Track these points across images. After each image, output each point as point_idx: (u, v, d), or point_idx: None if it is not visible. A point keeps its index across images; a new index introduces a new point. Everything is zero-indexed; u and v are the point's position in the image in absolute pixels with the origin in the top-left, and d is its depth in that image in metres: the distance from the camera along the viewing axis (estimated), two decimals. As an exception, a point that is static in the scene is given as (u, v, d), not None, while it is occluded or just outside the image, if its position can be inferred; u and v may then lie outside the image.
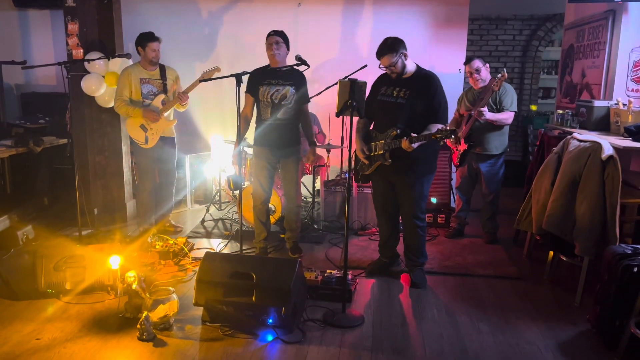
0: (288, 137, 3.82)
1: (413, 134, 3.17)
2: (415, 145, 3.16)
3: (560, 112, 4.72)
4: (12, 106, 5.62)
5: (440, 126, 3.21)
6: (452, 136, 3.01)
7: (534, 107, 7.47)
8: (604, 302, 2.77)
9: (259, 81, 3.73)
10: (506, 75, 3.94)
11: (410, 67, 3.36)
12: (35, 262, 3.24)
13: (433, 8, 5.44)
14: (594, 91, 4.79)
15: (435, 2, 5.43)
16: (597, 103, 4.28)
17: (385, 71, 3.40)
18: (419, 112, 3.29)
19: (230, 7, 5.61)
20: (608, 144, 3.19)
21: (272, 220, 4.47)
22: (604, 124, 4.20)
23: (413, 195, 3.44)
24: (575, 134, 3.54)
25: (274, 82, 3.72)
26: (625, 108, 3.98)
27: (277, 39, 3.67)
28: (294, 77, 3.77)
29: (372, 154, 3.47)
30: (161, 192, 4.54)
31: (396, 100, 3.35)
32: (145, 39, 4.17)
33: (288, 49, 3.75)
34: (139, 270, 3.09)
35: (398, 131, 3.28)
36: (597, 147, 3.16)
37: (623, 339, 2.65)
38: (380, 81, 3.53)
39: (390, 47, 3.25)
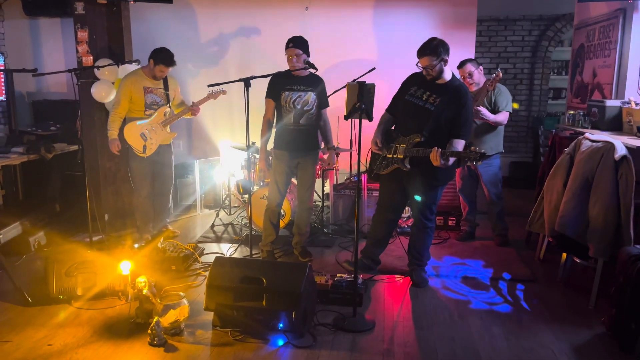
0: (309, 142, 3.84)
1: (444, 150, 3.10)
2: (442, 162, 3.06)
3: (572, 112, 4.68)
4: (23, 113, 5.69)
5: (463, 142, 3.19)
6: (480, 159, 2.97)
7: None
8: (619, 305, 2.73)
9: (281, 87, 3.71)
10: (500, 75, 3.94)
11: (447, 75, 3.30)
12: (47, 268, 3.26)
13: (441, 10, 5.42)
14: (605, 91, 4.74)
15: (443, 3, 5.42)
16: (609, 103, 4.23)
17: (420, 70, 3.32)
18: (445, 122, 3.24)
19: (238, 13, 5.64)
20: (621, 143, 3.15)
21: (282, 224, 4.47)
22: (616, 124, 4.15)
23: (426, 200, 3.43)
24: (587, 134, 3.50)
25: (296, 88, 3.71)
26: (638, 107, 3.92)
27: (297, 51, 3.62)
28: (315, 83, 3.77)
29: (391, 156, 3.41)
30: (157, 199, 4.48)
31: (424, 105, 3.28)
32: (160, 60, 4.08)
33: (308, 54, 3.70)
34: (149, 275, 3.09)
35: (422, 139, 3.24)
36: (610, 147, 3.12)
37: (639, 342, 2.60)
38: (411, 80, 3.46)
39: (434, 49, 3.17)
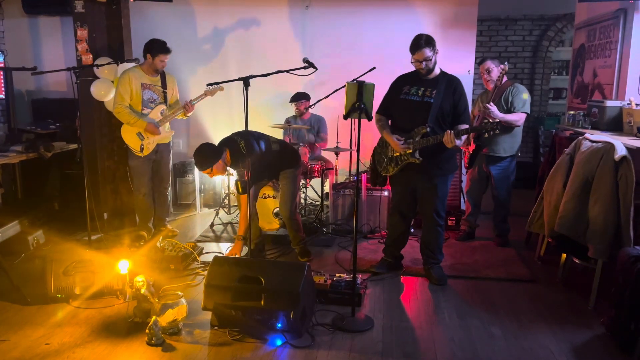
0: (280, 166, 3.93)
1: (459, 130, 3.28)
2: (458, 142, 3.24)
3: (572, 112, 4.67)
4: (23, 112, 5.67)
5: (466, 126, 3.35)
6: (497, 128, 3.18)
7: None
8: (618, 305, 2.72)
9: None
10: (506, 67, 3.92)
11: (437, 69, 3.43)
12: (45, 267, 3.26)
13: (442, 9, 5.41)
14: (606, 91, 4.73)
15: (443, 3, 5.40)
16: (609, 103, 4.22)
17: (413, 69, 3.43)
18: (446, 112, 3.36)
19: (238, 11, 5.62)
20: (621, 144, 3.14)
21: (279, 224, 4.47)
22: (616, 124, 4.14)
23: (438, 193, 3.49)
24: (587, 135, 3.49)
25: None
26: (638, 108, 3.91)
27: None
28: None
29: (398, 154, 3.46)
30: (155, 198, 4.49)
31: (422, 99, 3.39)
32: (158, 50, 4.11)
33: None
34: (148, 274, 3.08)
35: (428, 129, 3.31)
36: (610, 147, 3.11)
37: (639, 342, 2.59)
38: (401, 80, 3.53)
39: (428, 40, 3.32)
